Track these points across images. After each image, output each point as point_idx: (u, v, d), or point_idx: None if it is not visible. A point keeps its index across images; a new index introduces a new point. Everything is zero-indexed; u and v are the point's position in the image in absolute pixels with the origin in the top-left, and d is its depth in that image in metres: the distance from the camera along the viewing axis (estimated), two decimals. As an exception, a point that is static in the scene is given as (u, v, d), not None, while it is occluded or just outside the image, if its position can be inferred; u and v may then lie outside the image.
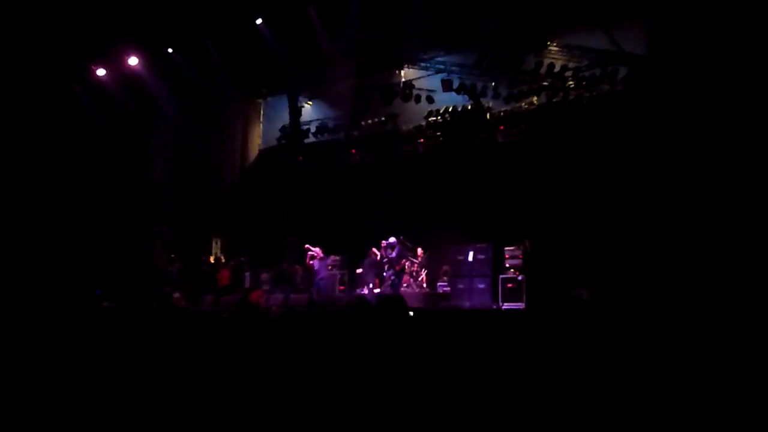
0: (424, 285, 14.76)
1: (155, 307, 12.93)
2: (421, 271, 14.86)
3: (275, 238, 18.70)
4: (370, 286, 14.01)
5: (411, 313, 7.23)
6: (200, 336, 6.31)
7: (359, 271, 14.78)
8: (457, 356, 4.84)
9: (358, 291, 15.13)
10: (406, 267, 14.30)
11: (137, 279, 15.61)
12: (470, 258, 13.00)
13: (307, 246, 13.79)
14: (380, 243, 13.95)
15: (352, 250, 15.84)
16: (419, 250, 14.96)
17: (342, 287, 15.34)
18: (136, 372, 4.77)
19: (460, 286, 13.15)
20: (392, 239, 11.75)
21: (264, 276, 16.11)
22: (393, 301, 10.28)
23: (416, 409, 3.78)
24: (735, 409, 3.40)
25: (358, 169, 17.70)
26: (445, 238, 14.92)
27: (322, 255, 13.77)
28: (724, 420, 3.35)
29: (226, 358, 5.17)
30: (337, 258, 15.83)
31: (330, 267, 15.24)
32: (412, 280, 14.65)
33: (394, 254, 11.96)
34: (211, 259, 17.68)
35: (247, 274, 16.31)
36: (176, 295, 13.71)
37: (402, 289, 13.98)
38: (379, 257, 14.07)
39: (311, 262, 13.90)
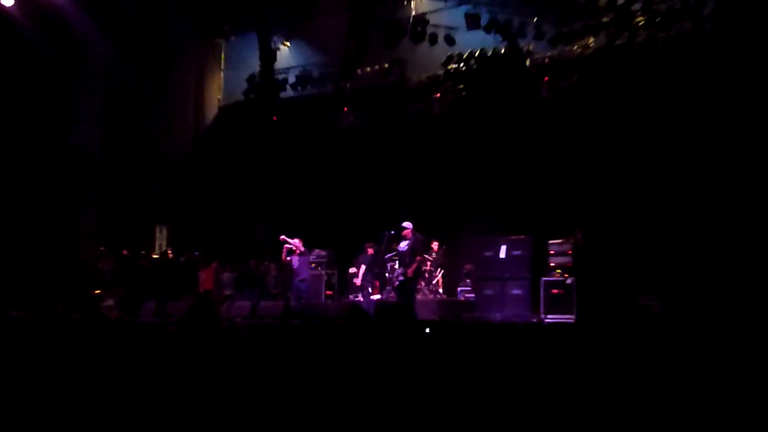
0: (440, 290, 14.81)
1: (79, 317, 12.89)
2: (436, 271, 14.90)
3: (240, 226, 18.77)
4: (368, 290, 13.99)
5: (427, 329, 7.19)
6: (139, 356, 6.27)
7: (352, 270, 14.76)
8: (485, 388, 4.79)
9: (351, 297, 15.15)
10: (425, 269, 14.36)
11: (55, 280, 15.59)
12: (503, 254, 12.98)
13: (282, 237, 13.72)
14: (379, 233, 13.85)
15: (342, 243, 16.00)
16: (434, 244, 14.96)
17: (329, 292, 15.46)
18: (52, 405, 4.73)
19: (489, 291, 13.16)
20: (406, 225, 11.65)
21: (225, 277, 16.34)
22: (398, 311, 10.25)
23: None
24: None
25: (352, 135, 17.86)
26: (469, 227, 15.07)
27: (302, 249, 13.73)
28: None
29: (173, 386, 5.13)
30: (323, 253, 15.93)
31: (313, 265, 15.34)
32: (423, 283, 14.72)
33: (405, 246, 11.82)
34: (154, 254, 17.79)
35: (203, 273, 16.32)
36: (108, 301, 13.68)
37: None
38: (374, 251, 14.02)
39: (288, 258, 13.85)
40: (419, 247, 11.79)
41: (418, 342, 6.57)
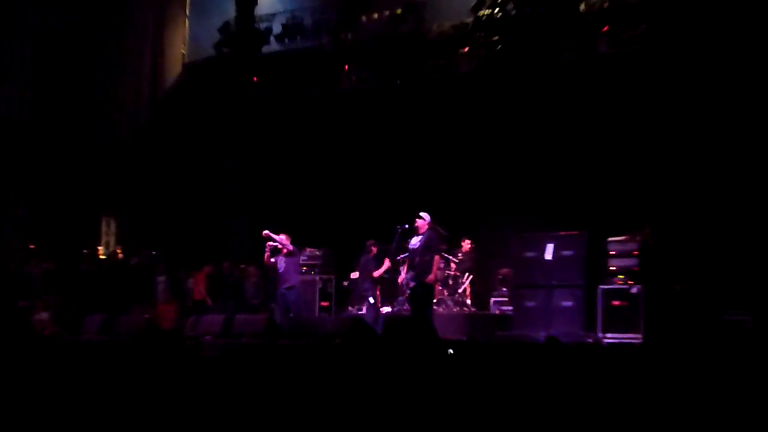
0: (468, 301, 14.81)
1: (5, 333, 12.93)
2: (462, 277, 14.86)
3: (210, 218, 18.77)
4: (370, 300, 13.98)
5: (450, 350, 7.16)
6: (81, 383, 6.28)
7: (355, 275, 14.74)
8: (525, 430, 4.77)
9: (351, 310, 15.07)
10: (441, 269, 14.26)
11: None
12: (549, 255, 12.94)
13: (266, 233, 13.70)
14: (389, 229, 13.82)
15: (342, 241, 15.99)
16: (464, 243, 15.10)
17: (325, 303, 15.46)
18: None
19: (530, 303, 13.13)
20: (422, 215, 11.60)
21: (192, 283, 16.28)
22: (413, 328, 10.24)
23: None
24: None
25: (355, 101, 17.79)
26: (505, 221, 15.04)
27: (291, 248, 13.71)
28: None
29: (124, 422, 5.12)
30: (318, 253, 15.86)
31: (305, 269, 15.31)
32: (446, 292, 14.68)
33: (417, 243, 11.78)
34: (100, 255, 17.82)
35: (162, 279, 16.42)
36: (40, 314, 13.69)
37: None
38: (377, 251, 14.01)
39: (273, 259, 13.83)
40: (434, 244, 11.74)
41: (438, 369, 6.54)
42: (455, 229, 14.89)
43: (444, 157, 16.45)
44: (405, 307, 14.09)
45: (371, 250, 14.12)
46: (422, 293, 11.57)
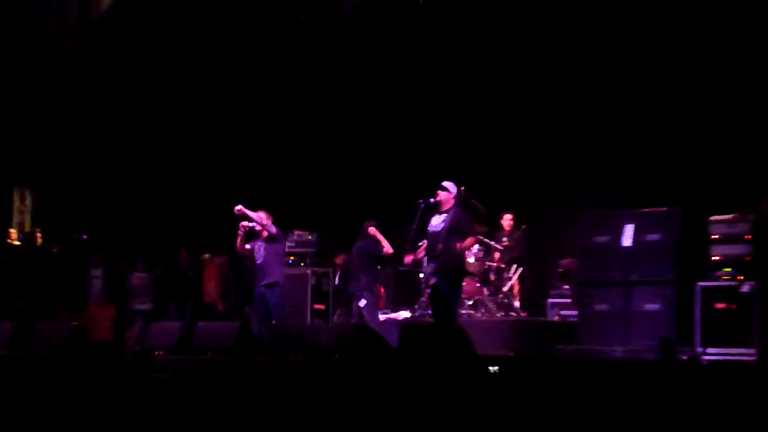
0: (516, 303, 15.01)
1: None
2: (508, 270, 15.07)
3: (163, 191, 18.78)
4: (362, 303, 14.04)
5: (494, 368, 7.16)
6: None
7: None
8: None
9: (357, 310, 15.00)
10: (474, 257, 14.36)
11: None
12: (628, 240, 12.88)
13: (238, 209, 13.74)
14: (405, 205, 13.84)
15: (340, 221, 16.11)
16: (505, 219, 15.15)
17: (320, 305, 15.59)
18: None
19: (603, 306, 13.05)
20: (446, 186, 11.54)
21: (137, 279, 16.51)
22: (439, 338, 10.26)
23: None
24: None
25: (360, 27, 17.91)
26: (565, 194, 15.26)
27: (273, 230, 13.75)
28: None
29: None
30: (309, 237, 16.06)
31: (291, 258, 15.52)
32: (486, 290, 14.85)
33: (441, 225, 11.73)
34: (12, 239, 17.80)
35: (97, 273, 16.64)
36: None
37: (464, 311, 14.13)
38: (373, 237, 14.09)
39: (248, 245, 13.89)
40: (464, 225, 11.71)
41: (476, 395, 6.54)
42: (496, 204, 14.91)
43: (482, 105, 16.60)
44: (429, 312, 14.13)
45: (368, 233, 14.15)
46: (447, 291, 11.60)
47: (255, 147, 18.33)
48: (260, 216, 13.54)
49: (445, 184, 11.60)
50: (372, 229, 14.12)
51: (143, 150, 19.16)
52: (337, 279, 15.67)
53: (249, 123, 18.52)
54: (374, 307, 14.18)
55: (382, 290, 14.95)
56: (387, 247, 13.82)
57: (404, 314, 14.73)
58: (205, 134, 19.20)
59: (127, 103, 19.29)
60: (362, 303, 13.94)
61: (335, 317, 15.26)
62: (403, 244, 13.59)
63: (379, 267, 14.44)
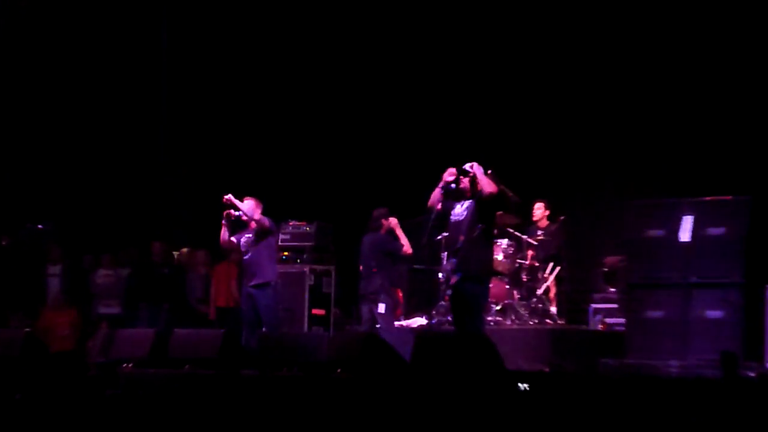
0: (553, 308, 15.14)
1: None
2: (543, 269, 15.27)
3: (132, 173, 18.93)
4: (381, 309, 14.17)
5: (525, 386, 7.26)
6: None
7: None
8: None
9: (369, 316, 15.12)
10: (503, 254, 14.37)
11: None
12: (685, 235, 12.86)
13: (228, 197, 13.87)
14: (422, 192, 13.87)
15: (343, 211, 16.55)
16: (537, 208, 15.25)
17: (320, 310, 15.78)
18: None
19: (656, 313, 12.99)
20: (469, 169, 11.58)
21: (103, 277, 16.65)
22: (461, 349, 10.35)
23: None
24: None
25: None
26: (609, 180, 15.05)
27: (265, 222, 13.87)
28: None
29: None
30: (306, 229, 16.22)
31: (286, 254, 15.69)
32: (517, 293, 14.96)
33: (462, 214, 11.78)
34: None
35: (55, 269, 16.79)
36: None
37: (491, 317, 14.38)
38: (386, 231, 14.18)
39: (234, 238, 14.03)
40: (487, 215, 11.77)
41: (504, 415, 6.63)
42: (529, 191, 14.96)
43: (510, 74, 16.73)
44: (448, 318, 14.23)
45: (381, 224, 14.23)
46: (471, 294, 11.60)
47: (243, 123, 18.43)
48: (248, 205, 13.62)
49: (469, 166, 11.62)
50: (393, 221, 14.17)
51: (110, 127, 19.29)
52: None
53: (235, 94, 18.62)
54: (392, 313, 14.28)
55: (400, 294, 15.04)
56: (406, 246, 13.89)
57: (419, 321, 14.83)
58: (183, 107, 19.29)
59: (91, 62, 19.37)
60: (381, 308, 14.02)
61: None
62: (419, 239, 13.69)
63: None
